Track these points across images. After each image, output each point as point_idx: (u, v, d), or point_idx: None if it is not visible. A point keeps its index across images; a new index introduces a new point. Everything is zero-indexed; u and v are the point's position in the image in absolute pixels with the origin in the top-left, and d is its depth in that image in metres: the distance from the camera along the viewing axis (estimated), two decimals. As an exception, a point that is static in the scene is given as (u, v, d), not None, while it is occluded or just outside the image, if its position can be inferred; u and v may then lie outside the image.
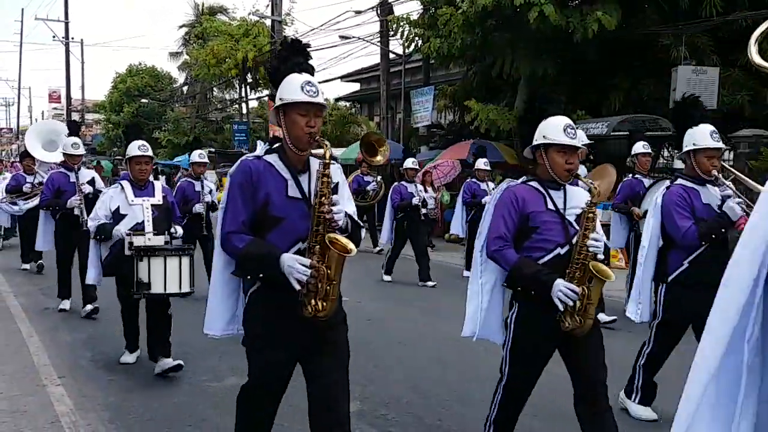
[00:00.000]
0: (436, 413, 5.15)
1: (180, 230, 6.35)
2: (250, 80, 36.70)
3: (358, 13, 24.33)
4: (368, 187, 14.68)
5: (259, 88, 37.27)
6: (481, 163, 11.95)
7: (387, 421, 4.99)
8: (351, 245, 3.14)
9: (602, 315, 7.79)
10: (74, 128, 9.09)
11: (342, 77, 33.93)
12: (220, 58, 34.66)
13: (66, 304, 8.58)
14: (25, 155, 11.86)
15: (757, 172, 13.02)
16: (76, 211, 8.04)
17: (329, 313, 3.18)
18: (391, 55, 24.29)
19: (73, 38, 51.29)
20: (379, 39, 23.53)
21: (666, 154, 16.36)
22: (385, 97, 23.68)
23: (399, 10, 21.75)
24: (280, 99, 3.28)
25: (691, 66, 13.19)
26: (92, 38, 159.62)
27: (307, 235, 3.20)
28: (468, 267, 10.92)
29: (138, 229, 5.87)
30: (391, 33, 21.02)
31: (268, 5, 29.75)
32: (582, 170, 7.77)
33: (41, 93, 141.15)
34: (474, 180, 11.91)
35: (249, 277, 3.30)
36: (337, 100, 39.23)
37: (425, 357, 6.57)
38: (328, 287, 3.14)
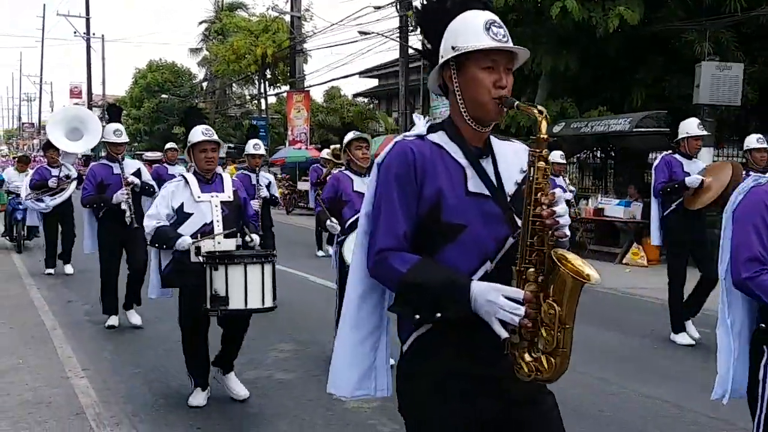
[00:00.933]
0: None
1: (257, 239, 5.29)
2: (269, 76, 36.75)
3: (378, 8, 24.29)
4: None
5: (278, 84, 37.31)
6: (557, 156, 10.71)
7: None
8: (589, 268, 1.97)
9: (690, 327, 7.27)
10: (115, 113, 8.02)
11: (360, 73, 33.97)
12: (239, 54, 34.74)
13: (114, 320, 7.44)
14: (47, 146, 10.86)
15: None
16: (123, 206, 7.17)
17: (557, 375, 2.05)
18: (411, 51, 24.23)
19: (94, 34, 51.91)
20: (398, 34, 23.47)
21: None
22: (404, 93, 23.63)
23: (419, 5, 21.65)
24: (453, 48, 2.19)
25: (715, 62, 13.04)
26: (113, 34, 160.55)
27: (496, 251, 2.13)
28: None
29: (206, 231, 4.95)
30: (411, 28, 20.99)
31: (287, 1, 29.82)
32: (699, 164, 7.33)
33: (63, 88, 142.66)
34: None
35: (417, 316, 2.11)
36: (356, 95, 39.29)
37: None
38: (558, 334, 2.00)
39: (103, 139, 7.47)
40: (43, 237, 12.01)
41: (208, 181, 5.14)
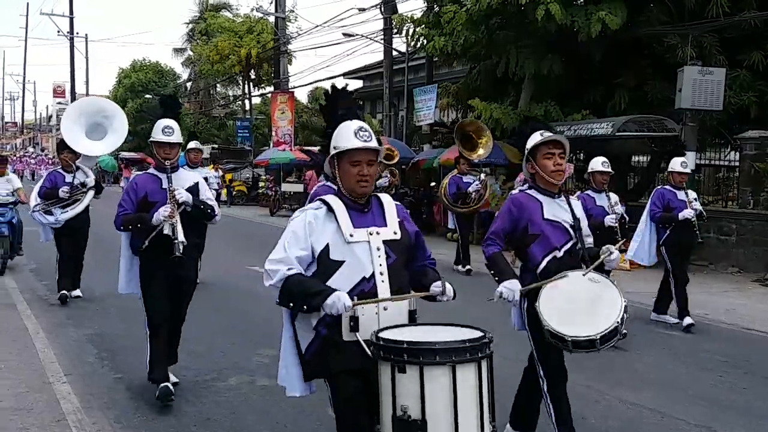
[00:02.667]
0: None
1: (450, 291, 3.36)
2: (253, 77, 36.68)
3: (362, 10, 24.30)
4: (469, 189, 12.11)
5: (262, 85, 37.25)
6: (678, 165, 8.39)
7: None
8: None
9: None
10: (170, 106, 5.91)
11: (345, 74, 33.88)
12: (223, 55, 34.68)
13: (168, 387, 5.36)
14: (62, 147, 8.82)
15: (763, 173, 13.01)
16: (165, 229, 5.22)
17: None
18: (395, 53, 24.26)
19: (77, 33, 51.48)
20: (382, 36, 23.49)
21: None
22: (388, 95, 23.65)
23: (403, 8, 21.73)
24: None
25: (697, 66, 13.13)
26: (97, 34, 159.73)
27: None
28: None
29: (365, 291, 3.16)
30: (395, 31, 21.01)
31: (271, 2, 29.74)
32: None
33: (46, 88, 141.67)
34: (667, 187, 8.56)
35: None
36: (341, 97, 39.14)
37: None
38: None
39: (151, 139, 5.53)
40: (35, 257, 11.54)
41: (362, 209, 3.32)
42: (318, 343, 3.22)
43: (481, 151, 12.42)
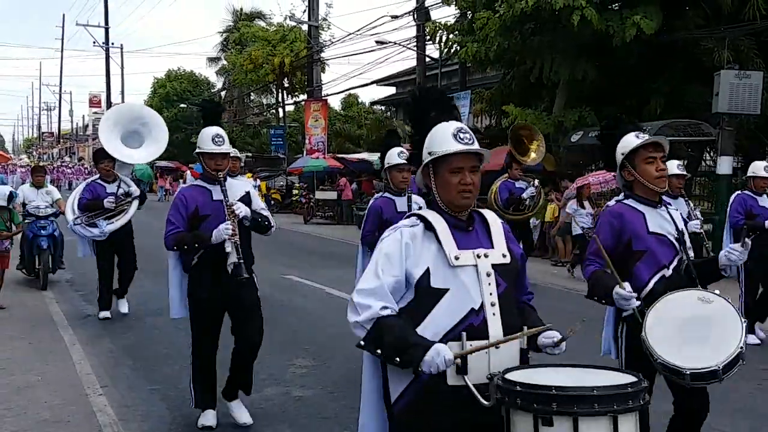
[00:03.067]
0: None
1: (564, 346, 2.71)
2: (286, 85, 36.93)
3: (395, 17, 24.34)
4: (523, 195, 11.18)
5: (295, 93, 37.48)
6: (761, 169, 8.06)
7: None
8: None
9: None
10: (213, 111, 5.34)
11: (378, 81, 33.97)
12: (257, 64, 34.99)
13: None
14: (100, 155, 8.48)
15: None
16: (227, 247, 4.75)
17: None
18: (427, 60, 24.24)
19: (113, 44, 52.33)
20: (415, 43, 23.49)
21: (708, 158, 16.10)
22: (421, 102, 23.59)
23: (436, 15, 21.71)
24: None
25: (734, 70, 12.91)
26: (132, 44, 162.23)
27: None
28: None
29: (475, 325, 2.60)
30: (428, 38, 20.99)
31: (304, 10, 29.94)
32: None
33: (82, 98, 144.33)
34: (747, 193, 8.11)
35: None
36: (373, 103, 39.33)
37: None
38: None
39: (197, 150, 5.03)
40: (70, 268, 11.31)
41: (466, 226, 2.75)
42: (416, 390, 2.57)
43: (533, 155, 11.81)
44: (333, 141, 31.67)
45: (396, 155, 5.86)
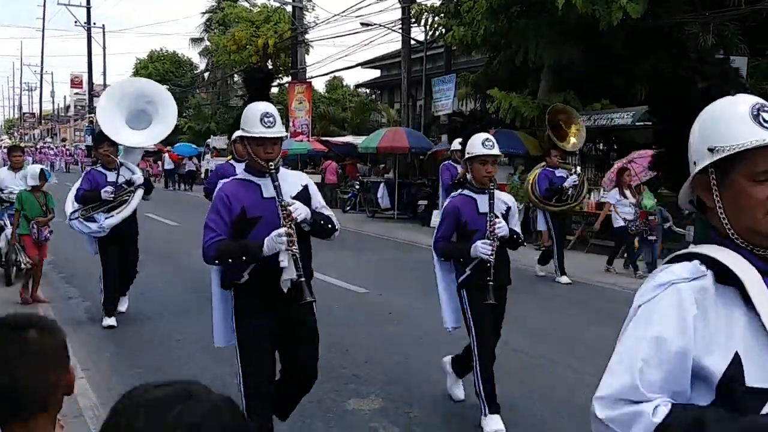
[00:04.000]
0: (461, 410, 5.09)
1: None
2: (270, 67, 36.66)
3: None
4: (565, 184, 10.40)
5: (279, 75, 37.26)
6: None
7: (410, 418, 4.95)
8: None
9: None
10: (262, 83, 4.23)
11: (362, 64, 33.80)
12: (240, 45, 34.70)
13: None
14: (100, 139, 7.44)
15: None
16: (282, 260, 3.65)
17: None
18: (413, 42, 24.13)
19: (95, 24, 51.60)
20: (400, 26, 23.37)
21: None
22: (405, 85, 23.55)
23: (421, -3, 21.55)
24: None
25: (719, 55, 12.96)
26: (114, 24, 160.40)
27: None
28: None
29: None
30: (413, 20, 20.89)
31: (289, -9, 29.67)
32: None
33: (63, 78, 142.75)
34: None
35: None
36: (357, 86, 39.19)
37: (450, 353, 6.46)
38: None
39: (240, 132, 3.99)
40: (52, 251, 9.70)
41: None
42: None
43: (573, 140, 10.98)
44: (317, 124, 31.54)
45: (481, 144, 4.76)
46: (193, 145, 36.29)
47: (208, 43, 43.76)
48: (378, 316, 8.05)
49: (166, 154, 35.19)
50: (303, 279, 3.65)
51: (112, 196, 7.14)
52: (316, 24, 31.01)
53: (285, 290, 3.72)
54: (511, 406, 5.16)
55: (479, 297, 4.69)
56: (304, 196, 3.92)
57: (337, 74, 38.51)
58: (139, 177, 7.37)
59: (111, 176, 7.25)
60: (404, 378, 5.81)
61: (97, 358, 6.28)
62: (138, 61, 50.12)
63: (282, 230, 3.59)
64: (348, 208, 23.08)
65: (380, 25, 24.71)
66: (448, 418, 5.00)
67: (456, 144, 9.37)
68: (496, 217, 4.72)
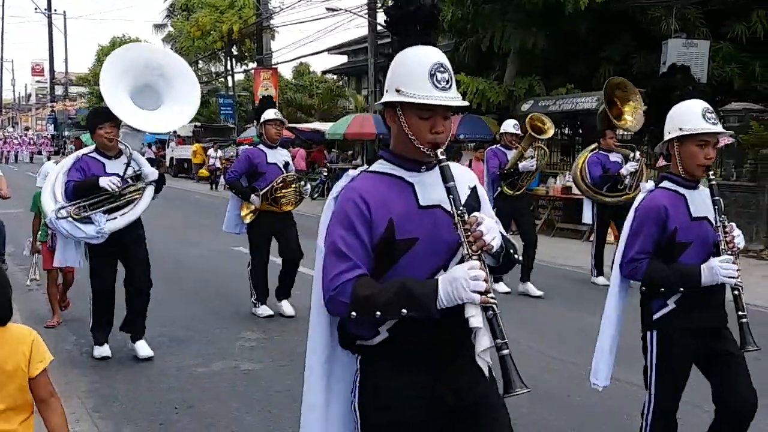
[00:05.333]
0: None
1: None
2: (235, 53, 36.27)
3: (345, -16, 23.97)
4: (622, 171, 8.80)
5: (245, 61, 36.89)
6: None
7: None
8: None
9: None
10: (419, 16, 2.33)
11: (329, 50, 33.60)
12: (205, 31, 34.25)
13: None
14: (102, 117, 5.61)
15: (746, 145, 13.00)
16: (475, 319, 2.15)
17: None
18: (379, 28, 23.99)
19: (55, 10, 50.70)
20: (366, 11, 23.22)
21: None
22: (373, 71, 23.44)
23: (386, -18, 21.42)
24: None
25: (681, 39, 13.06)
26: (75, 10, 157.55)
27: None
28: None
29: None
30: (379, 5, 20.77)
31: (253, -24, 29.33)
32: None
33: (24, 66, 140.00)
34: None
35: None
36: (324, 72, 38.93)
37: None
38: None
39: (389, 96, 2.30)
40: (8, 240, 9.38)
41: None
42: None
43: (629, 119, 9.33)
44: (284, 110, 31.28)
45: (701, 116, 3.31)
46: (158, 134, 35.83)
47: (171, 29, 43.12)
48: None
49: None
50: (508, 351, 2.20)
51: (117, 189, 5.47)
52: (282, 9, 30.87)
53: (483, 367, 2.33)
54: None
55: (683, 343, 3.40)
56: (472, 205, 2.37)
57: (303, 60, 38.23)
58: (150, 171, 5.67)
59: (112, 166, 5.56)
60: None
61: (56, 351, 6.11)
62: (100, 47, 49.29)
63: (475, 265, 2.14)
64: (316, 195, 22.96)
65: (346, 11, 24.54)
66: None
67: (510, 126, 8.77)
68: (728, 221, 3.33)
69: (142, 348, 5.84)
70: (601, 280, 9.23)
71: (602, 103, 9.62)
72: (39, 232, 7.01)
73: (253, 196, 7.06)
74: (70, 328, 6.94)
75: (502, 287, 8.42)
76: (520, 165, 8.44)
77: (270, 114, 7.14)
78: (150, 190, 5.69)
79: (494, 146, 9.02)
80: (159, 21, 45.03)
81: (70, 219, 5.41)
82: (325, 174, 23.19)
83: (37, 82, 78.79)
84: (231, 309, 7.61)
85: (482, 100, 16.41)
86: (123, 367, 5.65)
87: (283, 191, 7.10)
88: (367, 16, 23.29)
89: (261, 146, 7.27)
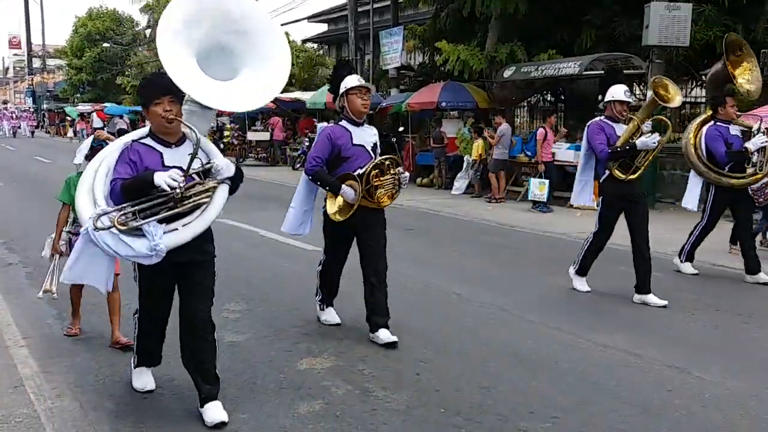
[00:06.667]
0: (414, 366, 5.06)
1: None
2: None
3: (324, -50, 23.61)
4: (748, 145, 7.62)
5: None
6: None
7: (363, 376, 4.89)
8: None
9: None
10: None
11: (309, 18, 33.19)
12: None
13: None
14: (157, 88, 4.02)
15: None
16: None
17: None
18: (360, -6, 23.72)
19: (29, -20, 49.62)
20: (346, -22, 22.90)
21: (638, 91, 16.27)
22: (353, 38, 23.19)
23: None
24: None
25: (664, 2, 12.96)
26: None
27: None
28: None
29: None
30: (359, -28, 20.47)
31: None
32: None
33: (1, 39, 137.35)
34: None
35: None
36: (305, 41, 38.49)
37: (405, 308, 6.41)
38: None
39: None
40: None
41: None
42: None
43: (746, 86, 8.26)
44: (264, 80, 30.91)
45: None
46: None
47: (149, 0, 42.46)
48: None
49: (94, 113, 34.62)
50: None
51: (180, 189, 3.86)
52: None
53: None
54: (461, 352, 5.18)
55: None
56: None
57: (283, 29, 37.71)
58: (225, 164, 4.09)
59: (173, 156, 4.02)
60: (358, 334, 5.75)
61: (38, 326, 6.05)
62: (77, 19, 48.46)
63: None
64: (298, 165, 22.81)
65: (326, -22, 24.20)
66: (399, 372, 4.96)
67: (621, 92, 6.91)
68: None
69: (215, 413, 4.14)
70: (688, 267, 8.18)
71: (721, 62, 8.37)
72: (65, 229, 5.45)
73: (346, 188, 5.46)
74: (52, 302, 6.82)
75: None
76: (638, 142, 6.73)
77: (353, 80, 5.52)
78: (223, 191, 4.09)
79: (598, 118, 7.12)
80: (136, -9, 44.29)
81: (114, 230, 3.80)
82: (307, 144, 23.01)
83: (15, 55, 77.47)
84: (215, 281, 7.53)
85: (464, 67, 16.29)
86: (105, 341, 5.58)
87: (381, 179, 5.51)
88: (347, -18, 22.98)
89: (344, 123, 5.62)
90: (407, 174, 5.72)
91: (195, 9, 4.10)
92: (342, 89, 5.55)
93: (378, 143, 5.70)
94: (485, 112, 17.09)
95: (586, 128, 7.09)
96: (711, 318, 6.40)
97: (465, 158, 16.55)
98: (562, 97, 18.03)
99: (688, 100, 16.91)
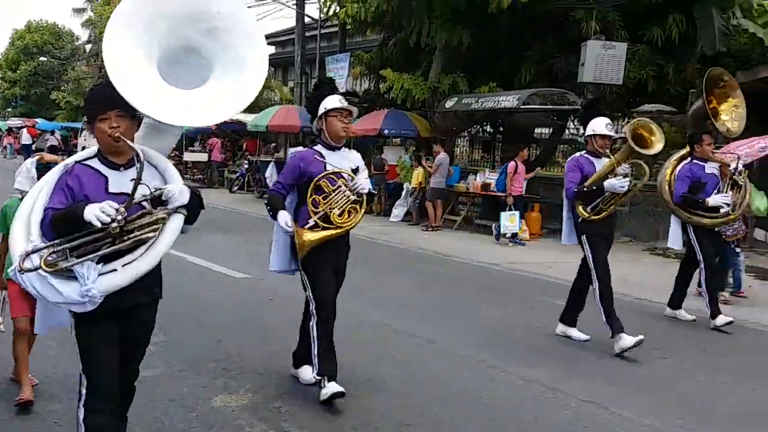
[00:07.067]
0: (334, 403, 4.90)
1: None
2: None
3: (272, -27, 23.59)
4: (708, 201, 7.37)
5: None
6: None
7: (280, 414, 4.72)
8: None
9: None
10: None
11: (255, 40, 32.98)
12: (125, 17, 33.18)
13: None
14: (106, 103, 3.24)
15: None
16: None
17: None
18: (307, 19, 23.70)
19: (-34, -10, 48.36)
20: (294, 2, 22.90)
21: (571, 126, 16.62)
22: (299, 62, 23.12)
23: (313, -27, 21.19)
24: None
25: (600, 41, 13.27)
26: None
27: None
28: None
29: None
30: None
31: (176, -38, 28.53)
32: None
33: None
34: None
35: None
36: (251, 63, 38.29)
37: (336, 340, 6.23)
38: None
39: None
40: None
41: None
42: None
43: (725, 121, 8.06)
44: (207, 101, 30.57)
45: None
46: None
47: (91, 14, 41.73)
48: (257, 303, 7.76)
49: (24, 129, 33.55)
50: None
51: (120, 221, 3.07)
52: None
53: None
54: (385, 388, 5.06)
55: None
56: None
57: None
58: (180, 191, 3.28)
59: (119, 181, 3.29)
60: (278, 370, 5.56)
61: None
62: (14, 31, 47.29)
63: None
64: (236, 188, 22.50)
65: (274, 0, 24.16)
66: (318, 411, 4.80)
67: (601, 126, 6.51)
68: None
69: None
70: (720, 319, 7.41)
71: (699, 98, 7.89)
72: (5, 263, 4.56)
73: (283, 213, 4.96)
74: None
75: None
76: (606, 183, 6.27)
77: (334, 101, 4.94)
78: (176, 223, 3.27)
79: (578, 154, 6.77)
80: (79, 5, 43.53)
81: (41, 271, 3.06)
82: (245, 167, 22.74)
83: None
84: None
85: (407, 96, 16.36)
86: (66, 332, 5.27)
87: (329, 200, 4.91)
88: (294, 7, 22.95)
89: (319, 147, 5.04)
90: (360, 178, 4.94)
91: (156, 7, 3.30)
92: (321, 110, 4.97)
93: (361, 167, 5.07)
94: (427, 141, 17.16)
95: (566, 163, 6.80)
96: (631, 353, 6.39)
97: (405, 186, 16.56)
98: (501, 129, 18.25)
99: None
